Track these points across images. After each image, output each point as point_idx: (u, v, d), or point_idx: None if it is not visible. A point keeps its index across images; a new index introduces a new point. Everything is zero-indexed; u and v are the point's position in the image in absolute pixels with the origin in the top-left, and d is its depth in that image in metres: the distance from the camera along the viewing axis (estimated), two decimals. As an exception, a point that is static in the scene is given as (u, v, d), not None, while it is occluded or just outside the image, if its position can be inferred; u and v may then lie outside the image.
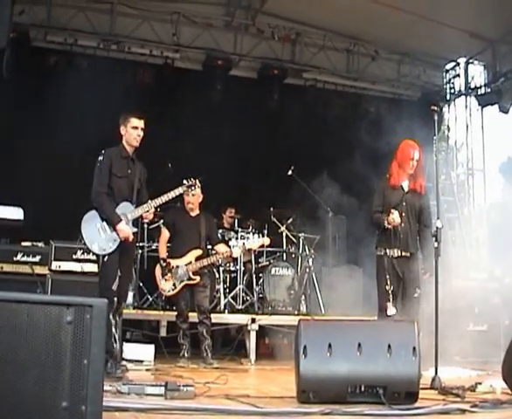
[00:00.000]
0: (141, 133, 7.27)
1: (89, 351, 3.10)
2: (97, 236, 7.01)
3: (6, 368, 3.03)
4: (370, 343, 5.37)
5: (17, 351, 3.06)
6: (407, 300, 7.65)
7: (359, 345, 5.32)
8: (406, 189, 7.82)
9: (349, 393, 5.25)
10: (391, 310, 7.52)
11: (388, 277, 7.56)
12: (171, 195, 7.69)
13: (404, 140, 7.98)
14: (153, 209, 7.41)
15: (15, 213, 6.14)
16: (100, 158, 7.18)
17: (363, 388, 5.27)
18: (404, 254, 7.70)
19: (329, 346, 5.32)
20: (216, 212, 10.94)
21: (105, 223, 7.05)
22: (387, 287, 7.55)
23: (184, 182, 7.96)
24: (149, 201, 7.38)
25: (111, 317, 6.82)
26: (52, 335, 3.10)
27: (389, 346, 5.29)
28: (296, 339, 5.56)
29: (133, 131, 7.21)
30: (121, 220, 7.02)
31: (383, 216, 7.63)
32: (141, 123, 7.26)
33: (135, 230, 7.49)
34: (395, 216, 7.50)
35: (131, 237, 7.12)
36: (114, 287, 6.88)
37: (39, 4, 12.29)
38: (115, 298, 6.89)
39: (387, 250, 7.66)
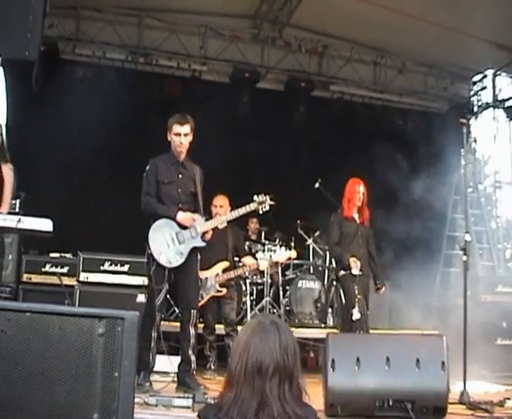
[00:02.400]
0: (184, 140, 7.11)
1: (120, 363, 3.12)
2: (165, 247, 6.89)
3: (38, 380, 3.06)
4: (398, 357, 5.35)
5: (49, 363, 3.09)
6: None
7: (387, 359, 5.30)
8: (358, 221, 8.90)
9: (377, 407, 5.23)
10: (357, 314, 8.30)
11: (356, 287, 8.39)
12: (242, 211, 7.70)
13: (351, 178, 9.05)
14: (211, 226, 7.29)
15: (44, 225, 6.13)
16: (147, 168, 7.14)
17: (391, 403, 5.25)
18: (362, 274, 8.65)
19: (357, 359, 5.31)
20: (241, 224, 10.94)
21: (174, 234, 6.93)
22: (356, 294, 8.38)
23: (255, 198, 7.81)
24: (218, 216, 7.39)
25: (152, 331, 6.81)
26: (84, 347, 3.12)
27: (417, 360, 5.27)
28: (324, 352, 5.54)
29: (176, 138, 7.08)
30: (177, 210, 6.94)
31: (345, 256, 8.61)
32: (183, 129, 7.08)
33: (203, 244, 7.24)
34: (358, 265, 8.49)
35: (194, 218, 7.01)
36: (158, 302, 6.80)
37: (68, 18, 12.42)
38: (157, 313, 6.82)
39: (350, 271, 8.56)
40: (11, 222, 6.08)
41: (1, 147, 7.13)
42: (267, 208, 7.88)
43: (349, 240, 8.73)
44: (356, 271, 8.46)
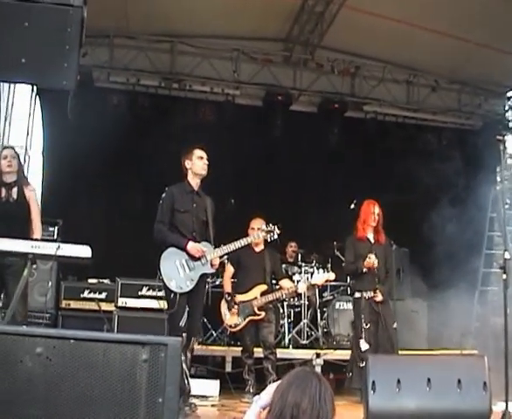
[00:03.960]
0: (207, 163, 7.44)
1: (164, 389, 3.12)
2: (175, 273, 7.13)
3: (83, 407, 3.08)
4: (439, 378, 5.29)
5: (94, 389, 3.11)
6: (387, 331, 8.49)
7: (428, 380, 5.24)
8: (373, 241, 8.90)
9: (417, 429, 5.18)
10: (364, 346, 8.34)
11: (363, 316, 8.45)
12: (249, 239, 8.08)
13: (366, 200, 9.16)
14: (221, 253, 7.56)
15: (83, 251, 6.21)
16: (163, 195, 7.38)
17: (432, 424, 5.19)
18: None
19: (398, 381, 5.26)
20: (278, 247, 10.93)
21: (184, 262, 7.17)
22: (363, 325, 8.42)
23: (263, 227, 8.23)
24: (229, 244, 7.54)
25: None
26: (128, 374, 3.14)
27: (459, 381, 5.21)
28: (364, 374, 5.50)
29: (199, 161, 7.40)
30: (188, 241, 7.16)
31: (359, 265, 8.70)
32: (204, 154, 7.45)
33: (213, 270, 7.70)
34: (373, 259, 8.56)
35: (203, 250, 7.22)
36: (182, 323, 6.97)
37: (102, 46, 12.57)
38: (184, 335, 6.92)
39: (363, 293, 8.61)
40: (51, 249, 6.16)
41: (22, 170, 7.25)
42: (275, 237, 8.29)
43: (363, 260, 8.71)
44: (375, 260, 8.54)
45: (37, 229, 6.98)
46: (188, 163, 7.46)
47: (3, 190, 7.08)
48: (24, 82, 8.30)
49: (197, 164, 7.42)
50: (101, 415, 3.10)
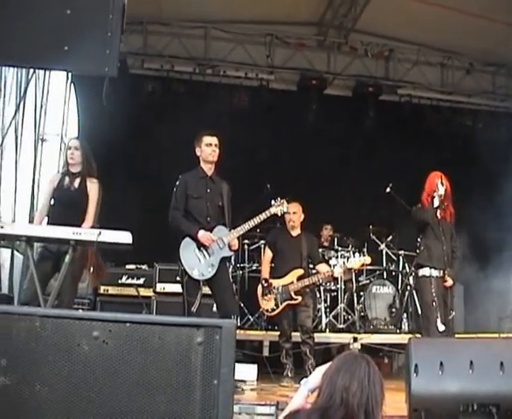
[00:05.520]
0: (216, 150, 7.48)
1: (219, 371, 3.16)
2: (196, 262, 7.24)
3: (139, 389, 3.12)
4: (481, 361, 5.25)
5: (150, 372, 3.15)
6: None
7: (471, 363, 5.21)
8: (439, 216, 8.17)
9: (461, 412, 5.14)
10: (442, 326, 7.71)
11: (435, 296, 7.82)
12: (263, 216, 7.85)
13: (433, 171, 8.37)
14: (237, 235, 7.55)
15: (124, 237, 6.26)
16: (177, 183, 7.54)
17: (475, 407, 5.15)
18: (444, 274, 8.01)
19: (441, 364, 5.23)
20: (313, 231, 10.93)
21: (202, 249, 7.25)
22: (434, 304, 7.79)
23: (273, 202, 8.05)
24: (243, 225, 7.55)
25: None
26: (183, 356, 3.17)
27: (501, 363, 5.17)
28: (407, 357, 5.48)
29: (207, 148, 7.47)
30: (198, 229, 7.23)
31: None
32: (213, 140, 7.50)
33: (231, 253, 7.78)
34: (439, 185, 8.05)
35: (213, 239, 7.26)
36: (194, 309, 7.10)
37: (136, 33, 12.60)
38: None
39: (432, 271, 7.99)
40: (92, 235, 6.22)
41: (87, 161, 7.31)
42: (285, 209, 8.11)
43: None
44: (442, 190, 8.06)
45: (88, 219, 7.06)
46: (198, 150, 7.58)
47: (67, 179, 7.19)
48: (67, 70, 8.37)
49: (205, 151, 7.51)
50: (157, 397, 3.14)
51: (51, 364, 3.17)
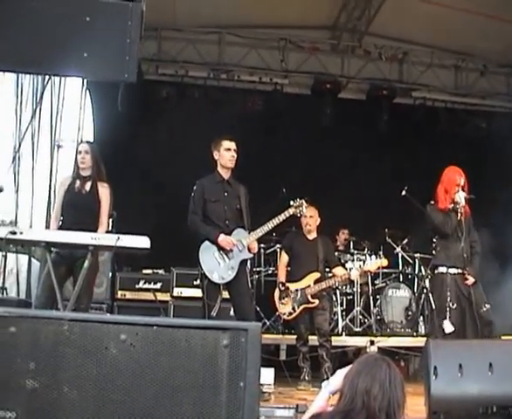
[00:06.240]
0: (235, 155, 7.48)
1: (245, 374, 3.18)
2: (216, 265, 7.22)
3: (166, 391, 3.15)
4: (501, 363, 5.25)
5: (177, 374, 3.18)
6: (477, 316, 7.47)
7: (490, 365, 5.21)
8: (458, 216, 7.70)
9: (480, 414, 5.15)
10: (449, 327, 7.36)
11: (449, 294, 7.47)
12: (281, 217, 7.83)
13: (450, 165, 7.99)
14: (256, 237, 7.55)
15: (142, 242, 6.30)
16: (194, 187, 7.55)
17: (494, 409, 5.16)
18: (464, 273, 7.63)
19: (460, 366, 5.23)
20: (329, 235, 10.93)
21: (222, 252, 7.24)
22: (448, 304, 7.44)
23: (292, 203, 8.00)
24: (262, 226, 7.56)
25: None
26: (210, 359, 3.20)
27: (521, 365, 5.18)
28: (425, 359, 5.47)
29: (226, 153, 7.46)
30: (219, 234, 7.23)
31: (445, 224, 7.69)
32: (232, 145, 7.49)
33: (251, 255, 7.74)
34: (461, 194, 7.59)
35: (234, 243, 7.27)
36: (214, 313, 7.05)
37: (150, 39, 12.63)
38: None
39: (449, 269, 7.64)
40: (111, 240, 6.26)
41: (97, 165, 7.34)
42: (304, 210, 8.05)
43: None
44: (462, 195, 7.60)
45: (102, 224, 7.12)
46: (216, 154, 7.55)
47: (78, 182, 7.22)
48: (87, 77, 8.42)
49: (224, 155, 7.49)
50: (184, 399, 3.17)
51: (80, 367, 3.21)
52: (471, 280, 7.57)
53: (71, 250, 6.73)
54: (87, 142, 7.75)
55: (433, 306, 8.21)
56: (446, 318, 7.40)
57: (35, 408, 3.20)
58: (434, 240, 8.08)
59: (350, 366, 3.24)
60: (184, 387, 3.17)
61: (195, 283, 9.34)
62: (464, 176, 7.83)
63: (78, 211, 7.03)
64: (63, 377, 3.22)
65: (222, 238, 7.22)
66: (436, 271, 7.81)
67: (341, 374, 3.38)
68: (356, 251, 11.27)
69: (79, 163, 7.23)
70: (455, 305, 7.47)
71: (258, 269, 11.01)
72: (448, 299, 7.47)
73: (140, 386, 3.19)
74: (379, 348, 9.87)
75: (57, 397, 3.19)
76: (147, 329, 3.23)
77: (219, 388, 3.19)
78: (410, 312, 10.90)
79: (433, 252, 8.14)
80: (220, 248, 7.23)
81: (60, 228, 7.07)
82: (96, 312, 9.24)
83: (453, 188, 7.75)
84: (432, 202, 7.95)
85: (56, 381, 3.22)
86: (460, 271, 7.62)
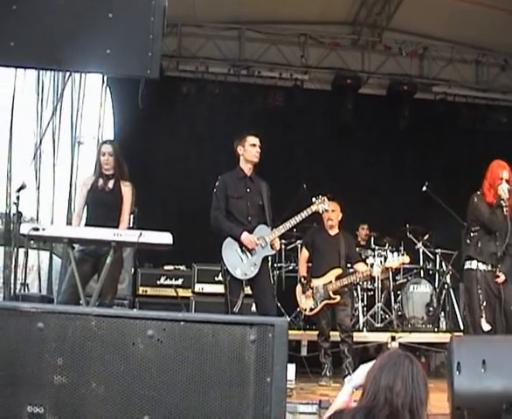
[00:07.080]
0: (259, 150, 7.48)
1: (272, 369, 3.19)
2: (239, 261, 7.21)
3: (193, 386, 3.16)
4: (525, 359, 5.23)
5: (204, 369, 3.19)
6: (507, 315, 7.30)
7: (513, 361, 5.19)
8: (500, 215, 7.42)
9: (503, 410, 5.12)
10: (486, 326, 7.20)
11: (481, 292, 7.31)
12: (304, 214, 7.80)
13: (495, 159, 7.66)
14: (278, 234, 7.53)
15: (164, 238, 6.32)
16: (216, 184, 7.53)
17: (518, 405, 5.14)
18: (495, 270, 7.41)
19: (483, 362, 5.21)
20: (349, 230, 10.90)
21: (245, 248, 7.23)
22: (481, 302, 7.28)
23: (314, 200, 7.97)
24: (284, 223, 7.54)
25: None
26: (237, 354, 3.21)
27: (544, 361, 5.15)
28: (449, 355, 5.46)
29: (251, 148, 7.45)
30: (242, 231, 7.21)
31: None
32: (257, 140, 7.49)
33: (274, 252, 7.77)
34: (504, 187, 7.28)
35: (256, 242, 7.26)
36: (236, 309, 7.04)
37: (170, 35, 12.66)
38: None
39: (479, 264, 7.42)
40: (133, 236, 6.28)
41: (119, 165, 7.35)
42: (326, 207, 8.03)
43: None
44: (505, 187, 7.23)
45: (123, 221, 7.14)
46: (240, 149, 7.53)
47: (101, 180, 7.24)
48: (110, 73, 8.44)
49: (249, 151, 7.47)
50: (211, 394, 3.18)
51: (107, 363, 3.23)
52: (502, 278, 7.36)
53: (95, 247, 6.75)
54: (110, 142, 7.73)
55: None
56: (482, 316, 7.26)
57: (63, 404, 3.22)
58: (473, 229, 7.68)
59: (373, 361, 3.23)
60: (212, 382, 3.19)
61: (216, 279, 9.37)
62: (509, 170, 7.48)
63: (102, 209, 7.06)
64: (90, 373, 3.24)
65: (245, 237, 7.20)
66: (466, 264, 7.59)
67: (364, 368, 3.38)
68: (377, 247, 11.25)
69: (103, 164, 7.24)
70: (485, 302, 7.31)
71: (279, 265, 11.02)
72: (481, 297, 7.33)
73: (167, 381, 3.21)
74: (400, 344, 9.83)
75: (84, 393, 3.21)
76: (174, 325, 3.24)
77: (246, 383, 3.20)
78: (431, 308, 10.84)
79: (467, 241, 7.75)
80: (243, 244, 7.23)
81: (85, 226, 7.09)
82: (118, 308, 9.28)
83: (497, 182, 7.45)
84: (479, 193, 7.64)
85: (83, 377, 3.24)
86: (490, 268, 7.41)
